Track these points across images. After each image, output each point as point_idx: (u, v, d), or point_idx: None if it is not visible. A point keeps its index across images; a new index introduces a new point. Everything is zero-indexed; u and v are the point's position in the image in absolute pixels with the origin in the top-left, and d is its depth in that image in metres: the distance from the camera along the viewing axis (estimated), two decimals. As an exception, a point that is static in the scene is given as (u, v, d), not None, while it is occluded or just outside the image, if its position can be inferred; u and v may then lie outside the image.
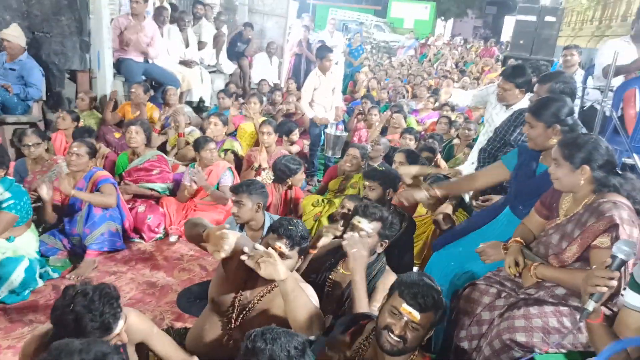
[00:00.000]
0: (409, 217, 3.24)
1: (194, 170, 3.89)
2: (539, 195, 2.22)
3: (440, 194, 2.73)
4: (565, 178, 1.95)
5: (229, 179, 4.00)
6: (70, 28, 5.19)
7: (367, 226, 2.35)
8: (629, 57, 3.68)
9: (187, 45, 6.73)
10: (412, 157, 4.02)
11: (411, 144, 4.86)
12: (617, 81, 3.65)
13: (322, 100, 5.55)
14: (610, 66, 3.33)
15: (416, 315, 1.70)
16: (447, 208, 3.43)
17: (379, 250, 2.43)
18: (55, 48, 5.20)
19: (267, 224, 3.01)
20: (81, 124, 4.66)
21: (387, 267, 2.47)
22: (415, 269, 3.23)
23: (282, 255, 2.02)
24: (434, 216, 3.45)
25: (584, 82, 4.49)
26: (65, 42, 5.20)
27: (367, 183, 3.18)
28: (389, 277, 2.38)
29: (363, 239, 2.31)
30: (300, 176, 3.88)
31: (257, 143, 4.99)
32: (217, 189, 3.98)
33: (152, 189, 4.09)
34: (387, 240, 2.43)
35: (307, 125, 6.00)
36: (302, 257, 2.20)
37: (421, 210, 3.78)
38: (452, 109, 7.15)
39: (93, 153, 3.56)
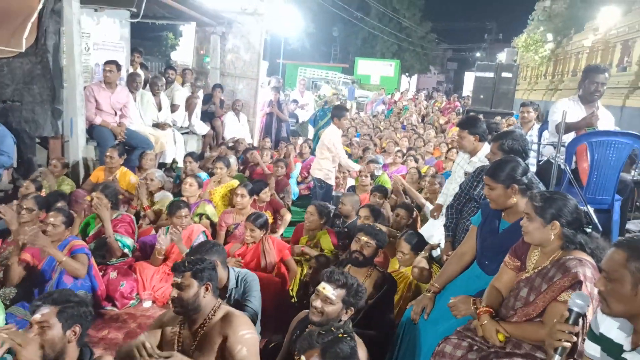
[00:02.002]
0: (390, 276, 3.28)
1: (172, 230, 3.87)
2: (504, 252, 2.33)
3: (441, 287, 2.74)
4: (536, 232, 2.07)
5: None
6: (42, 96, 5.26)
7: (331, 293, 2.33)
8: (577, 115, 3.97)
9: (159, 109, 6.87)
10: (375, 212, 4.29)
11: (381, 202, 5.01)
12: (569, 137, 3.91)
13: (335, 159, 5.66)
14: (560, 124, 3.60)
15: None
16: (422, 262, 3.52)
17: (344, 317, 2.39)
18: (26, 116, 5.24)
19: (232, 279, 3.05)
20: (43, 193, 4.61)
21: (354, 334, 2.45)
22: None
23: (179, 286, 2.29)
24: (411, 271, 3.52)
25: (539, 137, 4.79)
26: (36, 110, 5.25)
27: (364, 239, 3.17)
28: (358, 345, 2.33)
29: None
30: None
31: (230, 205, 5.02)
32: None
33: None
34: (352, 308, 2.40)
35: (284, 186, 6.07)
36: (209, 283, 2.36)
37: (394, 265, 3.86)
38: (416, 160, 7.41)
39: (69, 222, 3.55)
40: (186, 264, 2.37)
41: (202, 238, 4.02)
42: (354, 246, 3.21)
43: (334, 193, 5.74)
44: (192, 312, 2.33)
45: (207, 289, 2.35)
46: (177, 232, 3.87)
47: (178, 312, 2.35)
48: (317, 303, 2.33)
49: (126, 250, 4.03)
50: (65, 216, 3.52)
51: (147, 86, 7.30)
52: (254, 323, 2.98)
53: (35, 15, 5.03)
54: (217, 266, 2.97)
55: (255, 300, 3.07)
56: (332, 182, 5.68)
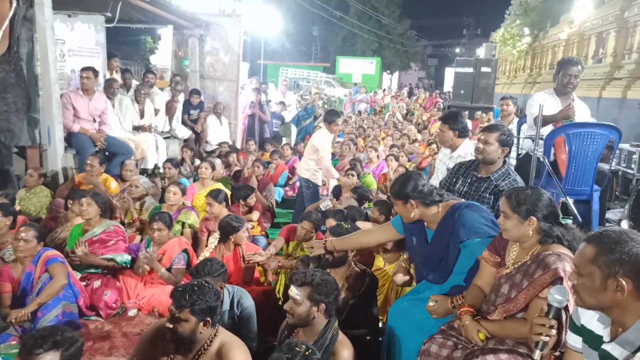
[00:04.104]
0: (371, 273, 3.28)
1: (145, 254, 3.79)
2: (442, 257, 2.44)
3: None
4: (514, 229, 2.10)
5: (181, 261, 3.90)
6: (17, 105, 5.15)
7: (295, 293, 2.31)
8: (554, 107, 4.03)
9: (142, 116, 6.79)
10: (348, 218, 4.17)
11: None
12: (546, 130, 3.97)
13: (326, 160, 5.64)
14: (537, 118, 3.64)
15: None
16: (399, 275, 3.53)
17: (317, 315, 2.34)
18: (1, 125, 5.12)
19: (226, 300, 3.00)
20: (17, 206, 4.56)
21: (340, 332, 2.43)
22: (379, 324, 3.25)
23: (175, 319, 2.19)
24: (392, 275, 3.52)
25: (518, 130, 4.84)
26: (12, 119, 5.14)
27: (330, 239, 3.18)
28: (344, 344, 2.35)
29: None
30: (243, 234, 3.87)
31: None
32: (170, 269, 3.89)
33: (110, 259, 3.94)
34: (323, 304, 2.34)
35: (265, 185, 6.04)
36: (209, 319, 2.24)
37: (379, 263, 3.86)
38: (396, 158, 7.43)
39: (42, 237, 3.49)
40: (187, 298, 2.20)
41: (182, 257, 3.91)
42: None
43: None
44: (187, 344, 2.24)
45: (205, 325, 2.23)
46: (150, 255, 3.78)
47: (171, 341, 2.26)
48: (287, 306, 2.34)
49: (127, 264, 4.02)
50: (37, 231, 3.45)
51: (129, 91, 7.23)
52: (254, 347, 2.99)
53: (7, 23, 4.92)
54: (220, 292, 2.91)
55: (255, 328, 3.09)
56: (319, 181, 5.67)
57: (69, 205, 4.44)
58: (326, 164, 5.64)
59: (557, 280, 1.91)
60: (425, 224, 2.63)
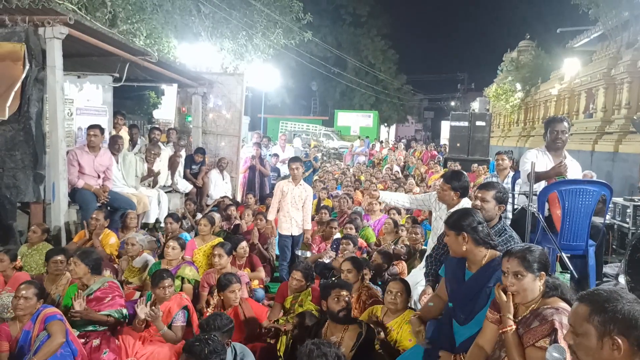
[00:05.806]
0: (367, 324, 3.33)
1: (149, 312, 3.77)
2: (472, 299, 2.48)
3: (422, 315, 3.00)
4: (529, 288, 2.15)
5: (181, 319, 3.87)
6: (25, 162, 5.27)
7: None
8: (546, 164, 4.16)
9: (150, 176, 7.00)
10: (357, 263, 4.27)
11: (349, 248, 5.09)
12: (540, 186, 4.08)
13: (289, 208, 5.62)
14: (530, 175, 3.76)
15: None
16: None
17: None
18: (7, 182, 5.23)
19: (229, 357, 2.99)
20: (19, 262, 4.55)
21: None
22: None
23: None
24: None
25: (513, 185, 4.96)
26: (18, 176, 5.25)
27: (344, 293, 3.29)
28: None
29: None
30: (230, 294, 3.88)
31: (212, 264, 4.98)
32: (170, 326, 3.86)
33: (108, 315, 3.91)
34: None
35: (267, 238, 6.07)
36: None
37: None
38: (399, 212, 7.49)
39: (41, 294, 3.50)
40: (206, 352, 2.37)
41: (181, 314, 3.89)
42: (336, 305, 3.24)
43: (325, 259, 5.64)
44: None
45: None
46: (154, 313, 3.75)
47: None
48: None
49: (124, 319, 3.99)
50: (37, 288, 3.48)
51: (135, 147, 7.43)
52: None
53: (19, 84, 5.13)
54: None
55: None
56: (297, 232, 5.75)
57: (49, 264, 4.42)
58: (268, 216, 5.78)
59: (553, 332, 1.96)
60: (467, 264, 2.68)
